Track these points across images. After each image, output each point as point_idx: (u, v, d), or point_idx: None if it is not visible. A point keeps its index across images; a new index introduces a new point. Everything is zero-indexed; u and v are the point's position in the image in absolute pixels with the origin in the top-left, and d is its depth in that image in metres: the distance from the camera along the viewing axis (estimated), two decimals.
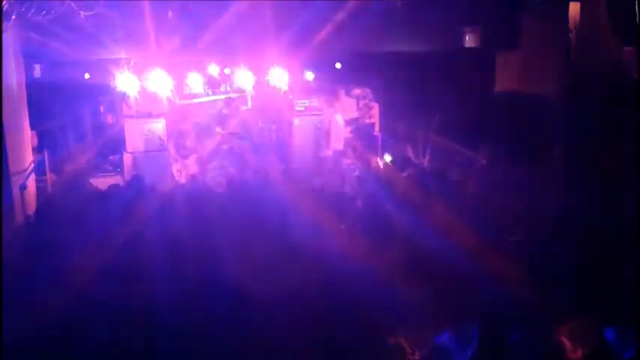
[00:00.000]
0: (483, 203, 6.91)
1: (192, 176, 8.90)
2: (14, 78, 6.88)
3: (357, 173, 8.57)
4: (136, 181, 7.74)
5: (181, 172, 8.96)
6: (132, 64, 8.54)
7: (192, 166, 9.05)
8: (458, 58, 9.45)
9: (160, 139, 9.49)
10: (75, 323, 4.17)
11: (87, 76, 9.65)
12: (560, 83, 8.37)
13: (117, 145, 9.68)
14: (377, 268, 4.89)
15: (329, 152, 9.29)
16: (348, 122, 10.09)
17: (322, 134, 9.81)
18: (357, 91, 10.40)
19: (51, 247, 5.42)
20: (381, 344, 3.71)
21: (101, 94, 10.08)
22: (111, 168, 9.66)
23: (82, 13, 6.39)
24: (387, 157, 9.54)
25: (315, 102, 10.06)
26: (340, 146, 9.22)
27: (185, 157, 8.95)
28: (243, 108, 10.83)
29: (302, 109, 10.05)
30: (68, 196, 7.33)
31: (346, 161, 9.14)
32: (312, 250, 5.40)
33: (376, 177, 8.43)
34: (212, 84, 11.03)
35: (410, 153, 9.73)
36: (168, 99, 9.47)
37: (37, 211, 7.00)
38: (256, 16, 7.96)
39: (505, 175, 7.61)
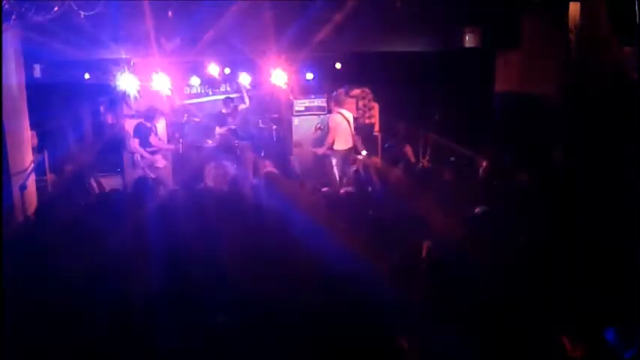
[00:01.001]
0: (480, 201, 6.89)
1: (159, 169, 9.23)
2: (14, 78, 6.86)
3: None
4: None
5: (151, 167, 9.08)
6: (132, 64, 8.55)
7: (160, 160, 9.29)
8: (458, 58, 9.45)
9: (160, 138, 9.54)
10: (75, 324, 4.17)
11: (87, 76, 9.66)
12: (560, 83, 8.37)
13: (117, 144, 9.70)
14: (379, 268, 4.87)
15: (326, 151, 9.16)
16: None
17: (324, 134, 9.79)
18: (357, 91, 10.39)
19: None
20: (381, 344, 3.70)
21: (101, 94, 10.11)
22: (111, 167, 9.68)
23: (82, 13, 6.40)
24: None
25: (315, 102, 10.05)
26: (346, 146, 9.07)
27: (152, 153, 9.12)
28: (242, 107, 10.85)
29: (302, 109, 10.05)
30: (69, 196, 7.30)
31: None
32: (312, 248, 5.38)
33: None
34: (212, 84, 11.09)
35: (409, 153, 9.74)
36: (169, 98, 9.50)
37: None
38: (256, 17, 7.96)
39: (504, 175, 7.61)
